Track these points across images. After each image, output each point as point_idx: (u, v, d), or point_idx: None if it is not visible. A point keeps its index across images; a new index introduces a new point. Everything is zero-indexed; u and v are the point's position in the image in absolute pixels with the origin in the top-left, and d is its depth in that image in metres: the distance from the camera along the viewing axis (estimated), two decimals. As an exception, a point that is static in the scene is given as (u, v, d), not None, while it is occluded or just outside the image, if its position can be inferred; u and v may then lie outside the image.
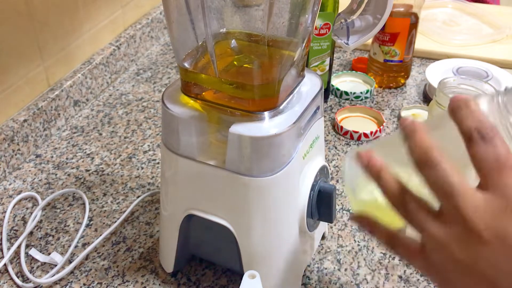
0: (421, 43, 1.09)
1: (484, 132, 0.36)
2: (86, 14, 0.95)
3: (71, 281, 0.62)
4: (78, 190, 0.75)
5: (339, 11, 0.69)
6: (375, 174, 0.40)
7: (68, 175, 0.79)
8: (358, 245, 0.67)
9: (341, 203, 0.73)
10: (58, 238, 0.68)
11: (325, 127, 0.69)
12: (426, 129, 0.38)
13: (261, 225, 0.53)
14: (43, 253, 0.66)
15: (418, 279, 0.62)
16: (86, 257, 0.65)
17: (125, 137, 0.87)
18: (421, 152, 0.37)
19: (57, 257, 0.64)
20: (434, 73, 0.96)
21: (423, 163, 0.37)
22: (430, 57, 1.09)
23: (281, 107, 0.52)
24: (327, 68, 0.90)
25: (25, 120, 0.80)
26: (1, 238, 0.68)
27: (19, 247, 0.66)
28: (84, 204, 0.73)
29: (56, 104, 0.87)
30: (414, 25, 0.94)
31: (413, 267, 0.40)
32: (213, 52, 0.49)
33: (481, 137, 0.35)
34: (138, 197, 0.74)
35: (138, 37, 1.10)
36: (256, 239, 0.53)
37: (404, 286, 0.61)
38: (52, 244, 0.67)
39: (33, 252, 0.65)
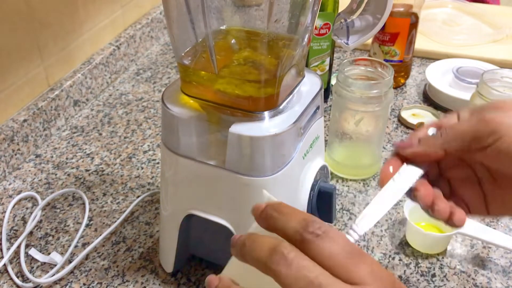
0: (421, 43, 1.08)
1: (314, 230, 0.31)
2: (86, 14, 0.94)
3: (71, 281, 0.62)
4: (78, 190, 0.75)
5: (339, 11, 0.69)
6: None
7: (68, 175, 0.79)
8: (358, 245, 0.67)
9: (341, 203, 0.73)
10: (58, 238, 0.68)
11: (325, 127, 0.69)
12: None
13: (261, 225, 0.53)
14: (43, 253, 0.66)
15: (418, 279, 0.62)
16: (86, 257, 0.65)
17: (125, 137, 0.87)
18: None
19: (57, 257, 0.64)
20: (434, 73, 0.96)
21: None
22: (430, 57, 1.09)
23: (281, 107, 0.52)
24: (327, 68, 0.90)
25: (25, 120, 0.80)
26: (1, 238, 0.68)
27: (19, 247, 0.66)
28: (84, 204, 0.73)
29: (56, 104, 0.87)
30: (414, 25, 0.94)
31: None
32: (213, 51, 0.49)
33: (315, 235, 0.31)
34: (138, 197, 0.74)
35: (138, 37, 1.10)
36: (256, 239, 0.53)
37: (404, 286, 0.61)
38: (52, 244, 0.67)
39: (33, 252, 0.65)
